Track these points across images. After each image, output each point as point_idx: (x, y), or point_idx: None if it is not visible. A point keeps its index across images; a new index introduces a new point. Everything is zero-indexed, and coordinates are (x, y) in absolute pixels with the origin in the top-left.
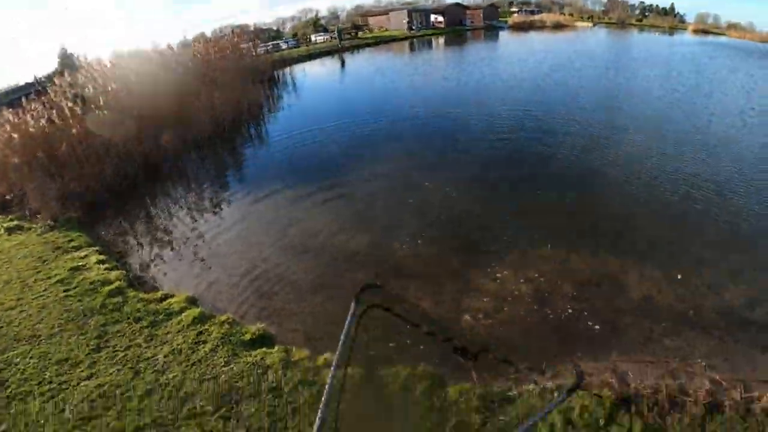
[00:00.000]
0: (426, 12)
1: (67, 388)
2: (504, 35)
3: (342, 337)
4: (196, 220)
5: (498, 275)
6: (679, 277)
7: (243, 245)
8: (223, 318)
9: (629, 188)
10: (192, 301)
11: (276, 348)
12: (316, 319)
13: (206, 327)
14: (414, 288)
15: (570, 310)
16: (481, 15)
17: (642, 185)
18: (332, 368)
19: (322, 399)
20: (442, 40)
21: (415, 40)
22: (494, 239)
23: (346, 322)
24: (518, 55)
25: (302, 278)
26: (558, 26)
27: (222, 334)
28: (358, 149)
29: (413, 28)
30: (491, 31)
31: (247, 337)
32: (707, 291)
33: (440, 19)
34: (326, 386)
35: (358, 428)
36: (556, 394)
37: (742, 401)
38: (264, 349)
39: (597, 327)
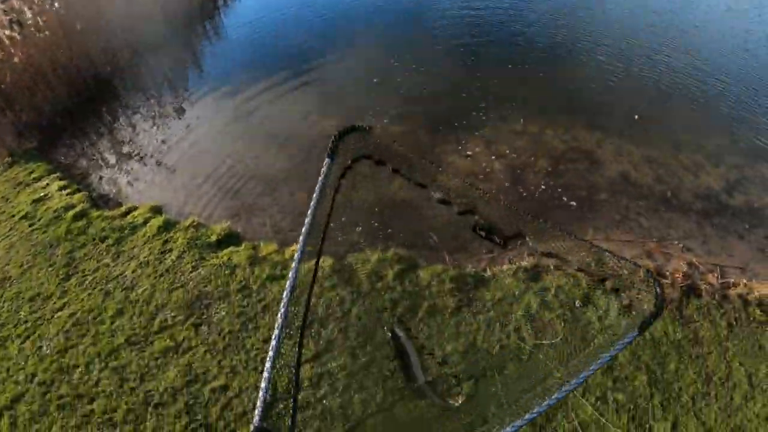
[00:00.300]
0: None
1: (42, 324)
2: None
3: (309, 213)
4: (158, 127)
5: (469, 152)
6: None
7: (208, 145)
8: (188, 222)
9: (609, 64)
10: (156, 211)
11: (243, 246)
12: (284, 210)
13: (171, 235)
14: (385, 169)
15: (544, 187)
16: None
17: (622, 60)
18: (297, 254)
19: (284, 292)
20: None
21: None
22: (464, 115)
23: (316, 189)
24: None
25: (270, 170)
26: None
27: (188, 240)
28: (322, 34)
29: None
30: None
31: (213, 238)
32: (686, 172)
33: None
34: (289, 277)
35: (327, 321)
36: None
37: (719, 286)
38: (231, 248)
39: (573, 203)
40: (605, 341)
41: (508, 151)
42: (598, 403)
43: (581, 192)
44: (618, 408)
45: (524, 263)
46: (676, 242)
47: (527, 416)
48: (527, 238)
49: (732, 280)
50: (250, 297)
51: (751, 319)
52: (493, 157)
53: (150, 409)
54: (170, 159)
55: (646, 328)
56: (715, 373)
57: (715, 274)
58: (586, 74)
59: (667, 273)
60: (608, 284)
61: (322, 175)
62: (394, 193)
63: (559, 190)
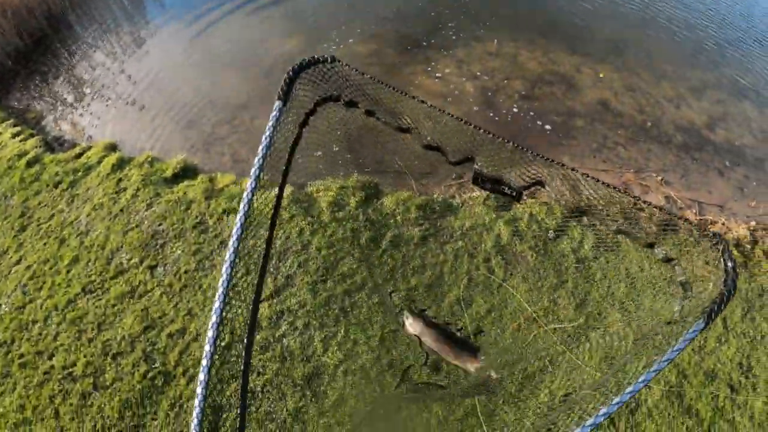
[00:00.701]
0: None
1: (0, 281)
2: None
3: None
4: (114, 61)
5: (439, 73)
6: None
7: (167, 75)
8: (143, 158)
9: None
10: (111, 148)
11: (199, 178)
12: (244, 137)
13: (126, 172)
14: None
15: (516, 110)
16: None
17: None
18: (248, 187)
19: (234, 228)
20: None
21: None
22: (436, 33)
23: (265, 137)
24: None
25: (230, 96)
26: None
27: (142, 177)
28: None
29: None
30: None
31: (169, 173)
32: (668, 104)
33: None
34: (238, 212)
35: (286, 254)
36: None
37: (697, 223)
38: (187, 182)
39: (548, 128)
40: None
41: (480, 73)
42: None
43: (557, 117)
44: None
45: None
46: (654, 174)
47: None
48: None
49: (710, 217)
50: (206, 233)
51: None
52: (464, 79)
53: (108, 359)
54: (127, 93)
55: (714, 317)
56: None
57: (694, 211)
58: None
59: (644, 206)
60: (585, 219)
61: (272, 121)
62: (356, 114)
63: (532, 114)
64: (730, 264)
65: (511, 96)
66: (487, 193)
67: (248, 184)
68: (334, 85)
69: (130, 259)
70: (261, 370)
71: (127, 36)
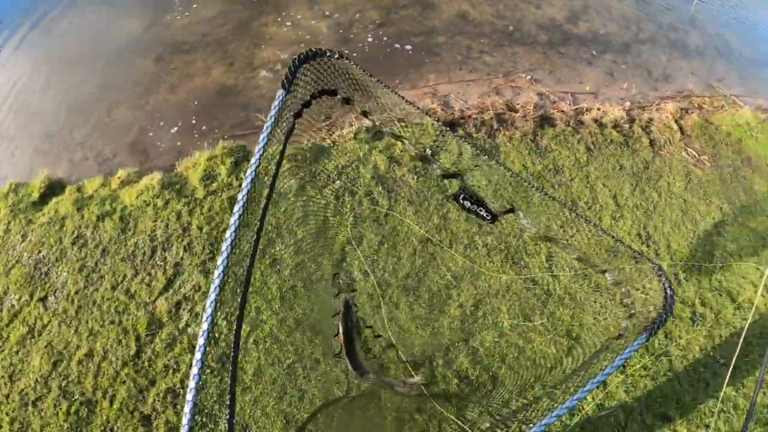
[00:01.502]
0: None
1: None
2: None
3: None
4: None
5: (290, 21)
6: None
7: (10, 88)
8: (6, 188)
9: None
10: None
11: (67, 191)
12: (105, 134)
13: None
14: (202, 59)
15: (372, 39)
16: None
17: None
18: (247, 178)
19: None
20: None
21: None
22: None
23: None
24: None
25: (82, 93)
26: None
27: (10, 208)
28: None
29: None
30: None
31: (36, 195)
32: (527, 5)
33: None
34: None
35: (170, 243)
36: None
37: (573, 113)
38: (55, 199)
39: (408, 48)
40: None
41: (332, 11)
42: (468, 250)
43: (417, 38)
44: (489, 251)
45: (366, 122)
46: (523, 75)
47: None
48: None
49: (585, 105)
50: (87, 246)
51: (609, 141)
52: (316, 21)
53: (30, 409)
54: None
55: (657, 329)
56: (580, 198)
57: (568, 102)
58: None
59: (518, 106)
60: (459, 130)
61: (274, 110)
62: (210, 80)
63: (390, 39)
64: (669, 291)
65: (366, 27)
66: (357, 128)
67: (247, 174)
68: (331, 77)
69: (20, 298)
70: (175, 366)
71: None
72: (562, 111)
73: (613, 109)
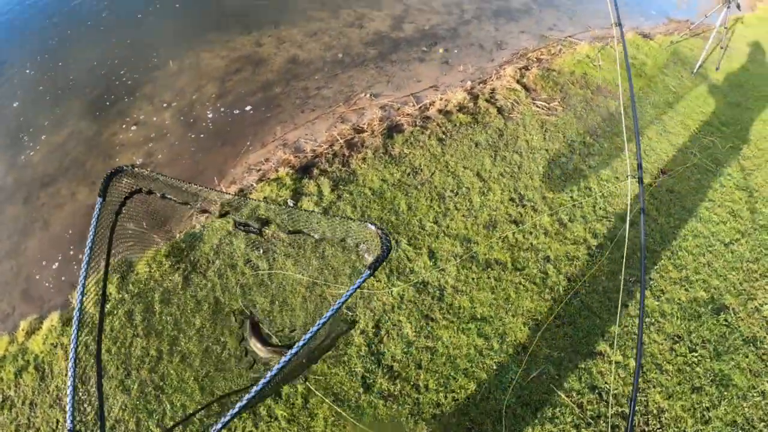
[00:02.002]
0: None
1: None
2: None
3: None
4: None
5: (134, 123)
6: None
7: None
8: None
9: None
10: None
11: None
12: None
13: None
14: (65, 187)
15: (212, 114)
16: None
17: None
18: (77, 294)
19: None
20: None
21: None
22: (113, 85)
23: (91, 229)
24: None
25: None
26: None
27: None
28: None
29: None
30: None
31: None
32: (351, 28)
33: None
34: (73, 319)
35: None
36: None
37: (418, 112)
38: None
39: (250, 110)
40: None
41: (171, 99)
42: (353, 278)
43: (255, 97)
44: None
45: (227, 196)
46: (363, 95)
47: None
48: None
49: (428, 101)
50: (15, 405)
51: (458, 125)
52: (159, 114)
53: None
54: None
55: (378, 266)
56: (446, 188)
57: (411, 104)
58: None
59: (365, 126)
60: (314, 170)
61: (95, 216)
62: (79, 205)
63: (227, 108)
64: (384, 238)
65: (206, 103)
66: (221, 201)
67: (80, 276)
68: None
69: None
70: None
71: None
72: (408, 114)
73: (455, 94)
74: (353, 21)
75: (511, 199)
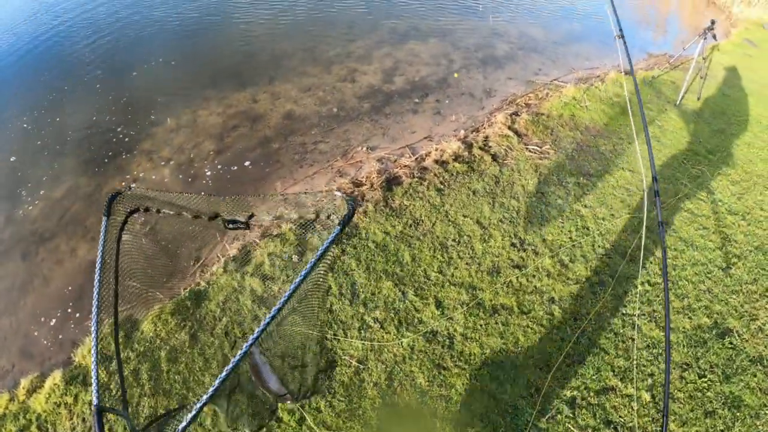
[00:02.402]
0: None
1: None
2: None
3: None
4: None
5: (135, 179)
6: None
7: None
8: None
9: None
10: None
11: None
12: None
13: None
14: (65, 242)
15: (210, 173)
16: None
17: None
18: (93, 316)
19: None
20: None
21: None
22: (111, 142)
23: (100, 246)
24: None
25: None
26: None
27: None
28: None
29: None
30: None
31: None
32: (344, 83)
33: None
34: (92, 347)
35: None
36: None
37: (415, 163)
38: None
39: (249, 165)
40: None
41: (170, 155)
42: (362, 332)
43: (254, 153)
44: (381, 324)
45: (231, 252)
46: (360, 148)
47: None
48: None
49: (423, 152)
50: None
51: (455, 174)
52: (158, 170)
53: None
54: None
55: (347, 222)
56: (447, 238)
57: (407, 155)
58: (212, 47)
59: (363, 179)
60: (316, 225)
61: (102, 235)
62: (78, 260)
63: (226, 164)
64: (349, 200)
65: (204, 160)
66: (225, 260)
67: (93, 300)
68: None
69: None
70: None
71: None
72: (405, 166)
73: (450, 144)
74: (346, 75)
75: (513, 244)
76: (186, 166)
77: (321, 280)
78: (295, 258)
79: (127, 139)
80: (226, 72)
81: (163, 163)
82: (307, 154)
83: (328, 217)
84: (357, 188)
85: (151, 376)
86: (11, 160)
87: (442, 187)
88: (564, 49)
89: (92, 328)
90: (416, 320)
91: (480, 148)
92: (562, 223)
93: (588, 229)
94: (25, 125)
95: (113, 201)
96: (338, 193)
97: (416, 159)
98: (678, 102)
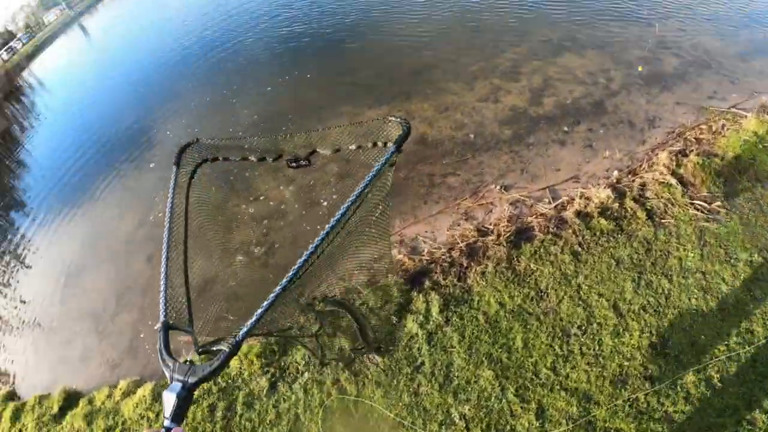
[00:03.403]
0: None
1: None
2: None
3: (167, 219)
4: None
5: (261, 195)
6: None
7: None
8: (32, 401)
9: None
10: (9, 397)
11: (80, 405)
12: (111, 338)
13: (23, 422)
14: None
15: (327, 200)
16: None
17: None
18: (163, 257)
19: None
20: None
21: None
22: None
23: (169, 197)
24: None
25: (91, 300)
26: None
27: (35, 421)
28: None
29: None
30: None
31: (55, 408)
32: (485, 103)
33: None
34: (161, 267)
35: None
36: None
37: (554, 212)
38: (71, 412)
39: None
40: None
41: (292, 176)
42: (443, 428)
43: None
44: (467, 423)
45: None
46: (492, 186)
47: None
48: None
49: (564, 198)
50: None
51: (598, 234)
52: (278, 191)
53: None
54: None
55: (401, 143)
56: (572, 323)
57: (546, 200)
58: (352, 57)
59: (491, 227)
60: (426, 281)
61: (172, 183)
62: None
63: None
64: (404, 124)
65: (326, 183)
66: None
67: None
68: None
69: None
70: None
71: None
72: (541, 215)
73: (598, 191)
74: (488, 94)
75: (652, 345)
76: (307, 190)
77: (380, 208)
78: (394, 320)
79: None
80: (363, 86)
81: (282, 186)
82: (433, 188)
83: (385, 144)
84: (481, 238)
85: (225, 416)
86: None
87: (579, 249)
88: (745, 66)
89: (163, 255)
90: (508, 428)
91: (634, 199)
92: (721, 320)
93: (753, 333)
94: None
95: (183, 152)
96: (393, 118)
97: (556, 207)
98: None
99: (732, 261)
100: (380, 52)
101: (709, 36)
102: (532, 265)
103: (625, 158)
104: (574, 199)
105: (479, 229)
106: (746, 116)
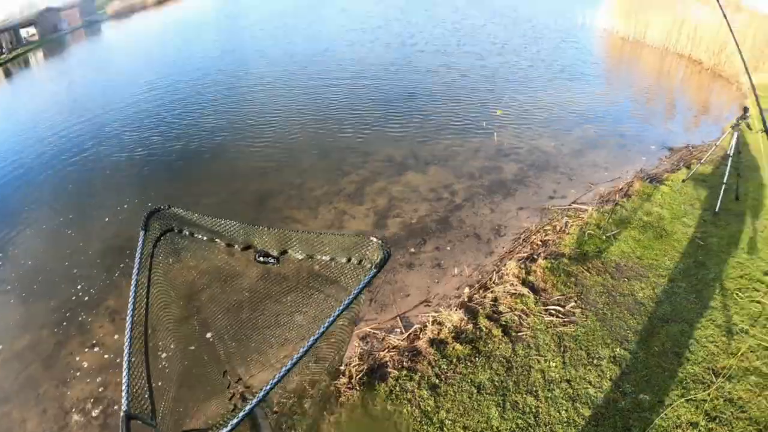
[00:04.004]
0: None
1: None
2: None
3: (132, 294)
4: None
5: (94, 340)
6: None
7: None
8: None
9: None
10: None
11: None
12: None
13: None
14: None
15: None
16: (78, 13)
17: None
18: (126, 338)
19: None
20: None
21: None
22: (73, 298)
23: (135, 261)
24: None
25: None
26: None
27: None
28: None
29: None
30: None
31: None
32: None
33: (32, 31)
34: (124, 355)
35: None
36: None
37: (406, 343)
38: None
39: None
40: None
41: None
42: None
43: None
44: None
45: None
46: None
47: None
48: None
49: (417, 325)
50: None
51: (455, 361)
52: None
53: None
54: None
55: (381, 267)
56: None
57: (398, 330)
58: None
59: (344, 368)
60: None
61: (139, 248)
62: None
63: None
64: (384, 245)
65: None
66: None
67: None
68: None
69: None
70: None
71: None
72: (394, 347)
73: (450, 314)
74: (333, 220)
75: None
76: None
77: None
78: None
79: (86, 291)
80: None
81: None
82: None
83: (360, 262)
84: (333, 382)
85: None
86: None
87: (437, 381)
88: (578, 161)
89: (126, 337)
90: None
91: (487, 316)
92: (596, 426)
93: (629, 423)
94: None
95: (151, 217)
96: (374, 239)
97: (408, 336)
98: (717, 209)
99: (595, 361)
100: (226, 178)
101: (545, 139)
102: (389, 407)
103: (475, 273)
104: (426, 326)
105: (329, 372)
106: (587, 209)
